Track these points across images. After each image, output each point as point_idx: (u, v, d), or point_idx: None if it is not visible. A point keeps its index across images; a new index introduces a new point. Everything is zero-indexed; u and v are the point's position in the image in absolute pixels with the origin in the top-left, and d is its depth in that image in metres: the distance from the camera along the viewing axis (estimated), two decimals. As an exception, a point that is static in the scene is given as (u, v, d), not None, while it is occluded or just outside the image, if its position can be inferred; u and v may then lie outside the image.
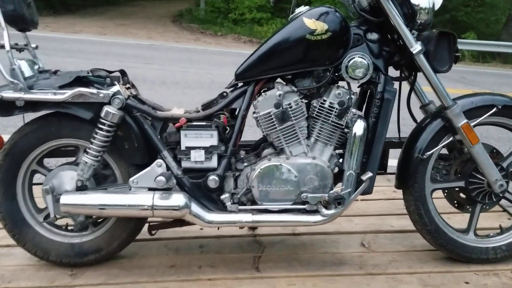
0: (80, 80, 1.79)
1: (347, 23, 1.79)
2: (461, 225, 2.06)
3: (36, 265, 1.96)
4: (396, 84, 1.88)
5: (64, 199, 1.75)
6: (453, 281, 1.88)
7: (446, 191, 2.05)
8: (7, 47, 1.76)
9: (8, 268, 1.95)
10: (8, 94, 1.72)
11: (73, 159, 1.96)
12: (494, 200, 1.97)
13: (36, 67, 1.89)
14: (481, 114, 1.88)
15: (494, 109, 1.88)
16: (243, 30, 13.29)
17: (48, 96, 1.73)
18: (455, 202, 2.07)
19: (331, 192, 1.78)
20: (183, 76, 6.66)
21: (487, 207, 2.02)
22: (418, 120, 2.01)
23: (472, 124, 1.87)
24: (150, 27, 13.31)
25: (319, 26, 1.74)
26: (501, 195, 1.95)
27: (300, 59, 1.79)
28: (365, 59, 1.78)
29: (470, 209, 2.03)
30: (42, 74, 1.87)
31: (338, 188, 1.85)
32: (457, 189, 2.03)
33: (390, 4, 1.76)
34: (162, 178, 1.73)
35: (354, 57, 1.78)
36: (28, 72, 1.82)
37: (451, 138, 1.91)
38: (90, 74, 1.81)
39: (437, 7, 1.83)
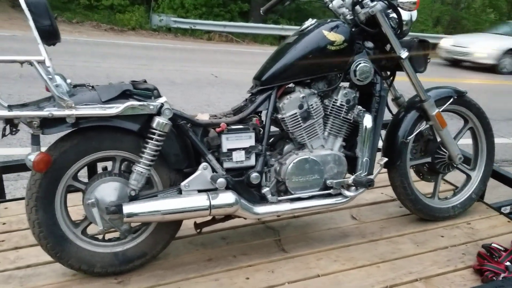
0: (124, 93, 1.83)
1: (353, 34, 2.13)
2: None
3: (75, 279, 1.95)
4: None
5: (128, 209, 1.79)
6: (433, 237, 2.39)
7: (414, 166, 2.55)
8: (48, 63, 1.72)
9: (49, 287, 1.91)
10: (59, 112, 1.69)
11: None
12: (451, 170, 2.53)
13: (68, 81, 1.85)
14: (443, 103, 2.39)
15: (451, 99, 2.41)
16: (101, 17, 12.71)
17: (99, 111, 1.74)
18: (420, 174, 2.58)
19: (356, 177, 2.12)
20: (75, 72, 6.31)
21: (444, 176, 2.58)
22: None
23: (438, 112, 2.37)
24: (-13, 13, 11.86)
25: (338, 38, 2.04)
26: (455, 165, 2.50)
27: (322, 66, 2.08)
28: (368, 64, 2.14)
29: (431, 179, 2.56)
30: (79, 89, 1.84)
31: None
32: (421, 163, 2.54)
33: (385, 18, 2.14)
34: (223, 180, 1.89)
35: (360, 63, 2.12)
36: (65, 87, 1.79)
37: (424, 124, 2.39)
38: (133, 88, 1.86)
39: (414, 19, 2.26)
